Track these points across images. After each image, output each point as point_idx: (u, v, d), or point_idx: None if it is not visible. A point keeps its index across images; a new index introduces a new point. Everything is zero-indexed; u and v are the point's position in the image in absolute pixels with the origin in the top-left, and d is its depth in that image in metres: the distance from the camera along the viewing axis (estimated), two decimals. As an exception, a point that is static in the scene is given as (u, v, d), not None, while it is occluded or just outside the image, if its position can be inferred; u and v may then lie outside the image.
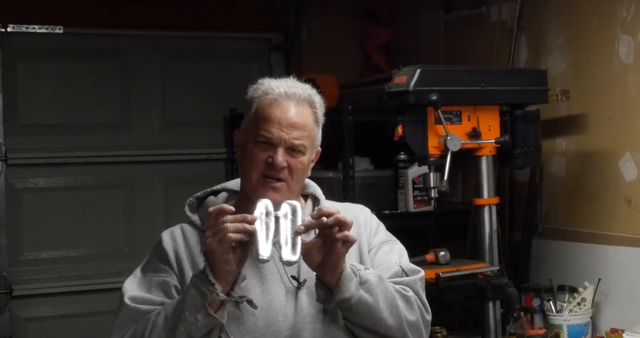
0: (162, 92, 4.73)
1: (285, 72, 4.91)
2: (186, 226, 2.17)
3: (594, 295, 3.43)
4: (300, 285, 2.04)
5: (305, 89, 2.09)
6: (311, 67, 4.81)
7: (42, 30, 4.44)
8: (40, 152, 4.48)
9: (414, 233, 3.88)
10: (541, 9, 3.85)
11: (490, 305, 3.30)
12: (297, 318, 2.02)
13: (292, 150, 2.04)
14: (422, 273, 2.16)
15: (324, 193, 2.25)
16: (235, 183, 2.24)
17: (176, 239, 2.13)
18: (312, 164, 2.15)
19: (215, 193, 2.27)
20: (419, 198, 3.90)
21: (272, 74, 4.92)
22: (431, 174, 3.19)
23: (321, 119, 2.12)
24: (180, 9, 4.67)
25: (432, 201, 3.71)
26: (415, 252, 3.22)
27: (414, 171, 3.85)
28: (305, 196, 2.21)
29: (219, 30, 4.78)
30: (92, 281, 4.56)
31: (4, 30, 4.30)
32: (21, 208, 4.46)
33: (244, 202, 2.09)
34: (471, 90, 3.24)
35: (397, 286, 2.06)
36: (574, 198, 3.68)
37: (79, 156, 4.54)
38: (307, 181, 2.20)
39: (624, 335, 3.12)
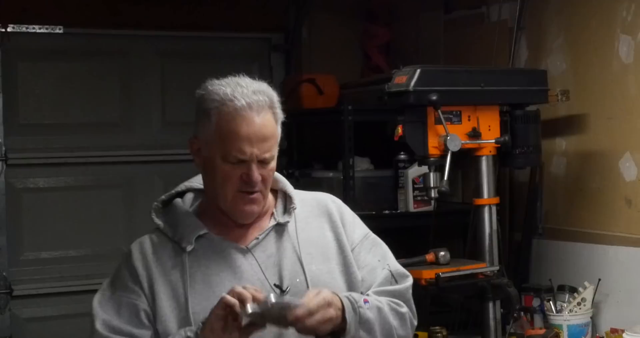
0: (162, 92, 4.73)
1: (285, 72, 4.92)
2: (154, 237, 2.09)
3: (594, 295, 3.43)
4: (283, 293, 1.98)
5: (262, 92, 2.03)
6: (311, 67, 4.80)
7: (42, 30, 4.44)
8: (40, 152, 4.47)
9: (414, 233, 3.88)
10: (541, 9, 3.85)
11: (490, 305, 3.30)
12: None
13: (263, 161, 1.99)
14: (411, 278, 2.16)
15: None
16: (199, 181, 2.16)
17: (146, 254, 2.05)
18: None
19: (181, 194, 2.20)
20: (419, 198, 3.90)
21: (272, 74, 4.93)
22: (431, 174, 3.19)
23: (280, 115, 2.06)
24: (180, 9, 4.67)
25: (432, 201, 3.71)
26: (415, 252, 3.22)
27: (414, 171, 3.85)
28: (275, 191, 2.15)
29: (218, 30, 4.78)
30: (92, 281, 4.54)
31: (4, 30, 4.30)
32: (21, 208, 4.45)
33: (211, 208, 2.06)
34: (471, 90, 3.24)
35: (392, 304, 2.06)
36: (574, 198, 3.68)
37: (79, 156, 4.54)
38: (277, 176, 2.13)
39: (624, 335, 3.12)
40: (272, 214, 2.10)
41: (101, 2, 4.49)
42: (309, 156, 4.59)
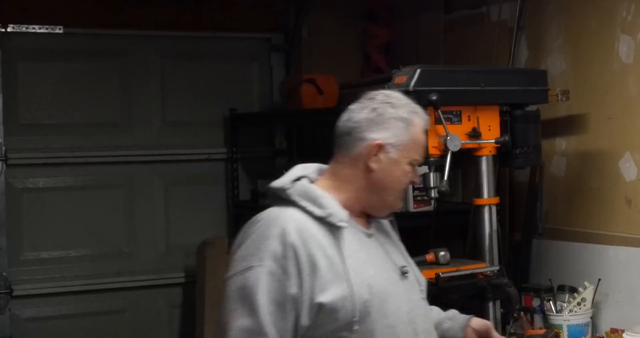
0: (162, 92, 4.74)
1: (285, 72, 4.92)
2: (297, 213, 2.12)
3: (594, 295, 3.43)
4: (405, 274, 2.22)
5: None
6: (311, 67, 4.81)
7: (42, 30, 4.44)
8: (40, 152, 4.48)
9: (414, 233, 3.88)
10: (541, 9, 3.85)
11: (490, 305, 3.30)
12: (411, 305, 2.19)
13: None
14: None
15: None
16: (310, 170, 2.25)
17: (301, 230, 2.07)
18: None
19: (297, 179, 2.24)
20: (419, 198, 3.90)
21: (272, 74, 4.93)
22: (431, 174, 3.19)
23: None
24: (180, 9, 4.67)
25: (432, 201, 3.71)
26: (415, 252, 3.21)
27: (414, 171, 3.84)
28: None
29: (218, 30, 4.78)
30: (92, 281, 4.57)
31: (4, 30, 4.30)
32: (21, 208, 4.46)
33: (343, 199, 2.17)
34: (471, 90, 3.24)
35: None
36: (574, 198, 3.68)
37: (79, 156, 4.55)
38: None
39: (624, 335, 3.12)
40: None
41: (101, 2, 4.49)
42: (309, 156, 4.59)
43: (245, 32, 4.87)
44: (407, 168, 2.20)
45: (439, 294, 3.16)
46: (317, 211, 2.11)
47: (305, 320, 2.04)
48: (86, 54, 4.56)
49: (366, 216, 2.25)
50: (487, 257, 3.32)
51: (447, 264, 3.21)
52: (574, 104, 3.66)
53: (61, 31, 4.47)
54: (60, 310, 4.53)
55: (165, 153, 4.73)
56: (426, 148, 2.29)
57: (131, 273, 4.66)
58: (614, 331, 3.34)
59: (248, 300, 2.02)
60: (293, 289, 2.02)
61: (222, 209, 4.86)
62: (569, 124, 3.71)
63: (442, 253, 3.23)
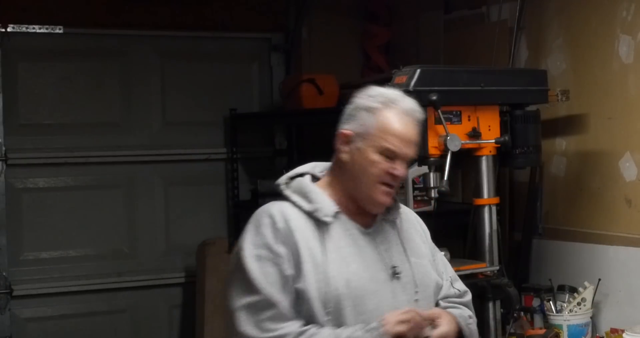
0: (162, 92, 4.74)
1: (285, 72, 4.92)
2: (289, 206, 2.22)
3: (594, 295, 3.43)
4: (397, 274, 2.23)
5: (417, 106, 2.26)
6: (311, 67, 4.81)
7: (42, 30, 4.44)
8: (40, 152, 4.48)
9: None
10: (541, 9, 3.85)
11: (490, 305, 3.30)
12: (396, 305, 2.19)
13: (404, 162, 2.23)
14: (469, 291, 2.45)
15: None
16: (320, 168, 2.34)
17: (288, 220, 2.18)
18: None
19: (300, 175, 2.33)
20: (419, 198, 3.89)
21: (272, 74, 4.93)
22: (431, 174, 3.19)
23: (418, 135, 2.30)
24: (180, 9, 4.67)
25: (432, 201, 3.70)
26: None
27: (414, 171, 3.83)
28: None
29: (218, 30, 4.78)
30: (92, 281, 4.57)
31: (4, 30, 4.31)
32: (21, 208, 4.46)
33: (339, 194, 2.24)
34: (471, 90, 3.24)
35: (466, 311, 2.37)
36: (574, 198, 3.68)
37: (79, 156, 4.55)
38: None
39: (624, 335, 3.12)
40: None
41: (101, 2, 4.49)
42: (309, 156, 4.59)
43: (245, 32, 4.87)
44: (376, 157, 2.18)
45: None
46: (306, 206, 2.21)
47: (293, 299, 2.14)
48: (86, 54, 4.56)
49: (373, 214, 2.27)
50: (487, 257, 3.32)
51: (447, 264, 3.21)
52: (574, 104, 3.66)
53: (61, 31, 4.47)
54: (60, 310, 4.53)
55: (165, 153, 4.73)
56: (412, 142, 2.21)
57: (131, 273, 4.66)
58: (614, 331, 3.34)
59: (249, 285, 2.12)
60: (288, 271, 2.13)
61: (222, 210, 4.86)
62: (569, 124, 3.71)
63: (442, 253, 3.22)
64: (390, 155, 2.19)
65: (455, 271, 3.14)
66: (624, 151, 3.44)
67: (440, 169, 3.15)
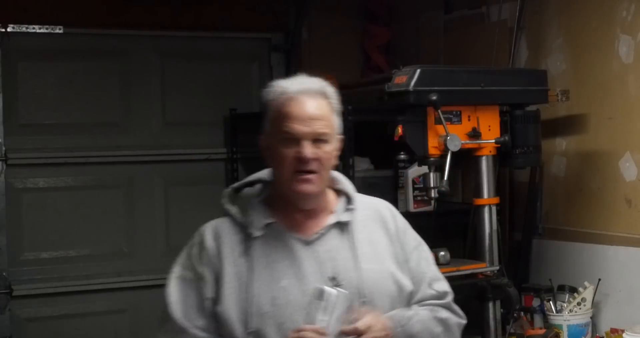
0: (162, 92, 4.73)
1: (285, 72, 4.92)
2: (226, 221, 2.22)
3: (594, 295, 3.43)
4: (337, 286, 2.09)
5: (316, 82, 2.21)
6: (311, 68, 4.78)
7: (42, 30, 4.43)
8: (40, 152, 4.47)
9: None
10: (541, 9, 3.85)
11: (490, 305, 3.30)
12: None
13: (317, 141, 2.12)
14: (450, 291, 2.30)
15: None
16: (269, 174, 2.28)
17: (219, 236, 2.18)
18: (337, 153, 2.23)
19: (251, 184, 2.30)
20: (419, 198, 3.90)
21: (272, 74, 4.93)
22: (431, 174, 3.19)
23: (337, 107, 2.21)
24: (180, 9, 4.67)
25: (432, 201, 3.71)
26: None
27: (414, 171, 3.84)
28: (337, 192, 2.28)
29: (219, 30, 4.78)
30: (92, 281, 4.56)
31: (4, 30, 4.30)
32: (21, 208, 4.45)
33: (279, 199, 2.18)
34: (471, 90, 3.25)
35: (433, 312, 2.22)
36: (574, 198, 3.68)
37: (79, 156, 4.54)
38: (339, 176, 2.30)
39: (624, 335, 3.12)
40: (334, 212, 2.22)
41: (101, 2, 4.49)
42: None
43: (245, 32, 4.86)
44: (283, 148, 2.11)
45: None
46: (240, 219, 2.19)
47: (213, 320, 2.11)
48: (86, 54, 4.55)
49: (318, 221, 2.18)
50: (487, 257, 3.32)
51: (447, 264, 3.22)
52: (574, 104, 3.66)
53: (61, 31, 4.46)
54: (60, 310, 4.52)
55: (165, 153, 4.72)
56: (312, 117, 2.11)
57: (131, 273, 4.65)
58: (614, 331, 3.34)
59: (167, 309, 2.13)
60: (209, 293, 2.11)
61: (222, 210, 4.84)
62: (569, 124, 3.71)
63: (442, 253, 3.23)
64: (293, 139, 2.10)
65: (455, 271, 3.16)
66: (624, 151, 3.44)
67: (440, 169, 3.16)
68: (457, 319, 2.27)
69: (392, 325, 2.11)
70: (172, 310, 2.12)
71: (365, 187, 4.05)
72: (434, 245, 3.30)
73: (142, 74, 4.68)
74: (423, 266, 2.27)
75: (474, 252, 3.38)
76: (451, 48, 4.41)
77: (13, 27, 4.35)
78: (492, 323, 3.31)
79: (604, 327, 3.44)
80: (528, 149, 3.36)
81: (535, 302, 3.61)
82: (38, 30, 4.43)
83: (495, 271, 3.28)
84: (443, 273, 3.06)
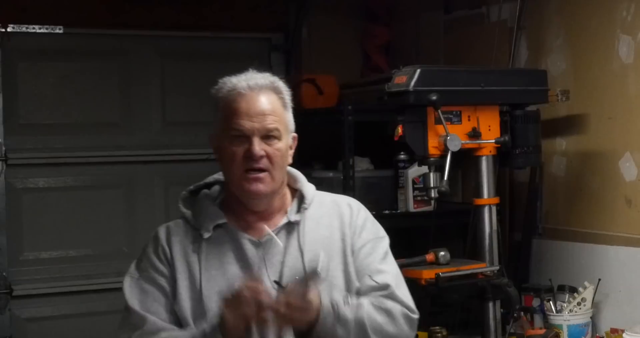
0: (162, 92, 4.73)
1: (286, 72, 4.92)
2: (180, 223, 2.23)
3: (594, 295, 3.43)
4: (282, 289, 2.05)
5: (266, 78, 2.20)
6: (311, 67, 4.80)
7: (42, 30, 4.43)
8: (40, 152, 4.47)
9: (414, 233, 3.88)
10: (541, 9, 3.85)
11: (490, 305, 3.30)
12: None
13: (267, 138, 2.09)
14: (394, 284, 2.17)
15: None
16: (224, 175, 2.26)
17: (171, 237, 2.19)
18: (292, 151, 2.20)
19: (209, 186, 2.29)
20: (419, 198, 3.90)
21: (273, 74, 4.92)
22: (431, 174, 3.19)
23: (289, 103, 2.20)
24: (180, 9, 4.67)
25: (432, 201, 3.71)
26: (415, 252, 3.22)
27: (414, 171, 3.85)
28: (295, 191, 2.24)
29: (219, 30, 4.78)
30: (92, 281, 4.56)
31: (4, 30, 4.30)
32: (21, 208, 4.45)
33: (232, 200, 2.16)
34: (471, 90, 3.24)
35: (376, 302, 2.11)
36: (574, 198, 3.68)
37: (79, 156, 4.54)
38: (297, 175, 2.25)
39: (624, 335, 3.12)
40: (287, 212, 2.19)
41: (101, 2, 4.49)
42: (309, 156, 4.58)
43: (245, 32, 4.86)
44: (232, 146, 2.10)
45: (439, 294, 3.17)
46: (192, 221, 2.19)
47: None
48: (86, 54, 4.55)
49: (270, 222, 2.15)
50: (487, 257, 3.32)
51: (447, 264, 3.21)
52: (574, 104, 3.66)
53: (61, 31, 4.46)
54: (60, 310, 4.52)
55: (165, 153, 4.72)
56: (259, 113, 2.09)
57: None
58: (614, 331, 3.34)
59: (126, 305, 2.16)
60: (167, 289, 2.11)
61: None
62: (569, 124, 3.71)
63: (442, 253, 3.23)
64: (242, 136, 2.08)
65: (455, 271, 3.16)
66: (624, 151, 3.44)
67: (440, 169, 3.15)
68: (403, 309, 2.15)
69: (325, 308, 2.03)
70: (132, 304, 2.13)
71: (365, 187, 4.09)
72: (434, 245, 3.31)
73: (142, 74, 4.68)
74: (369, 260, 2.18)
75: (474, 252, 3.37)
76: (451, 48, 4.41)
77: (13, 27, 4.35)
78: (492, 323, 3.30)
79: (604, 327, 3.44)
80: (528, 149, 3.35)
81: (535, 302, 3.61)
82: (38, 30, 4.43)
83: (495, 272, 3.28)
84: (443, 273, 3.10)
